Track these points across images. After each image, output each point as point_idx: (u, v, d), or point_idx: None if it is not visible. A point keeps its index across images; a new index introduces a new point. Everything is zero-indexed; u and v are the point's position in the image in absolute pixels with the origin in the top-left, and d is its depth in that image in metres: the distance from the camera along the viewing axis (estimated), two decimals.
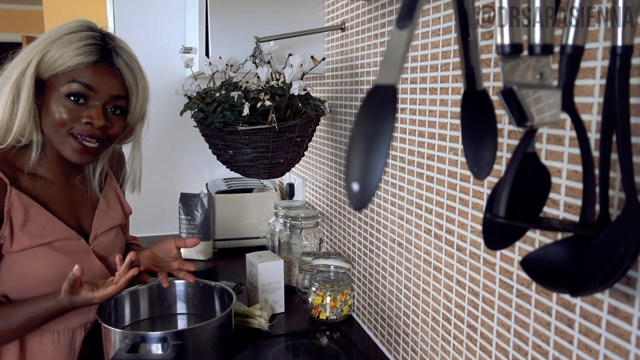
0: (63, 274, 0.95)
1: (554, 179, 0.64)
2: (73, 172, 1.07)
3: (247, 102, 1.21)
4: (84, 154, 0.97)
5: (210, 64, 1.31)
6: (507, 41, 0.45)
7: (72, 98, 0.94)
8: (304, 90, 1.26)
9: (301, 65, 1.26)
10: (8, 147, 0.97)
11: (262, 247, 1.72)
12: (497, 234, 0.55)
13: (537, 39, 0.45)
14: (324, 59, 1.41)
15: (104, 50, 0.97)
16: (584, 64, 0.59)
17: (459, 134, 0.86)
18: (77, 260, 1.00)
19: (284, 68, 1.27)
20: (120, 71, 0.98)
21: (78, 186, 1.08)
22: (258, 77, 1.29)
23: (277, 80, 1.30)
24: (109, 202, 1.15)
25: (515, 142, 0.72)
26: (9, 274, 0.96)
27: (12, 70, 0.96)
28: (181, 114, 1.34)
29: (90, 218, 1.09)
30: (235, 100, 1.22)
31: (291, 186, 1.91)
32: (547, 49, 0.45)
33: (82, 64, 0.94)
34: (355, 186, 0.37)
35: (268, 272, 1.27)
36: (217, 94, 1.25)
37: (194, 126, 1.37)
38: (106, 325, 0.93)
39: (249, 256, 1.32)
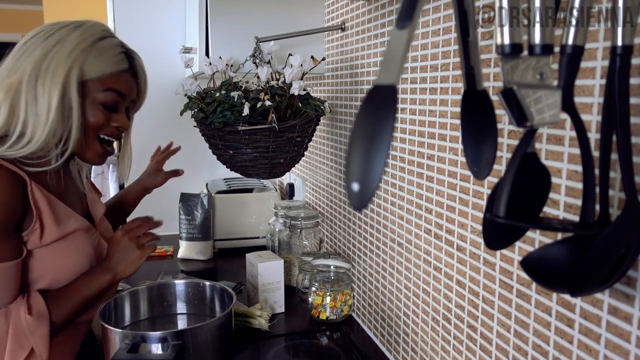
0: (88, 264, 1.00)
1: (554, 179, 0.64)
2: (65, 167, 1.08)
3: (247, 102, 1.21)
4: (103, 157, 1.02)
5: (210, 64, 1.31)
6: (507, 41, 0.45)
7: (107, 106, 0.98)
8: (304, 90, 1.26)
9: (301, 65, 1.26)
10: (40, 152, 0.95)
11: (262, 247, 1.72)
12: (497, 234, 0.55)
13: (537, 39, 0.45)
14: (324, 59, 1.41)
15: (129, 58, 1.01)
16: (584, 64, 0.59)
17: (459, 134, 0.86)
18: (95, 247, 1.04)
19: (284, 68, 1.27)
20: (137, 76, 1.03)
21: (70, 179, 1.09)
22: (258, 77, 1.29)
23: (277, 80, 1.30)
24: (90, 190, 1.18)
25: (515, 142, 0.72)
26: (45, 270, 0.96)
27: (39, 71, 0.92)
28: (181, 114, 1.34)
29: (86, 206, 1.11)
30: (235, 100, 1.22)
31: (291, 186, 1.91)
32: (547, 49, 0.45)
33: (115, 72, 0.97)
34: (355, 186, 0.37)
35: (268, 272, 1.27)
36: (217, 94, 1.25)
37: (194, 126, 1.37)
38: (106, 325, 0.93)
39: (249, 256, 1.32)
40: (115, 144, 1.10)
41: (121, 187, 1.96)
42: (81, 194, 1.11)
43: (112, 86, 0.97)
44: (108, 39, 0.99)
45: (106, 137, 1.01)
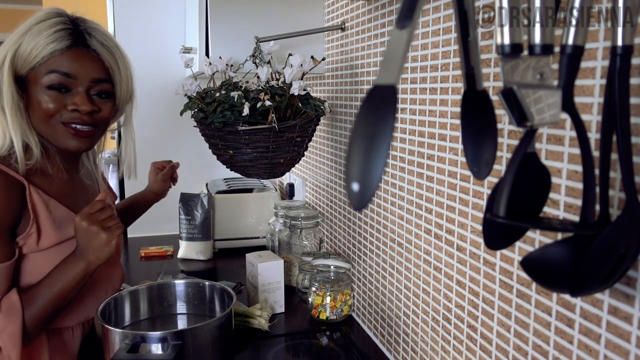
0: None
1: (554, 179, 0.64)
2: (72, 168, 1.07)
3: (247, 102, 1.21)
4: (79, 138, 0.96)
5: (210, 64, 1.31)
6: (507, 41, 0.45)
7: (54, 89, 0.92)
8: (304, 90, 1.26)
9: (301, 65, 1.26)
10: (5, 152, 0.93)
11: (262, 247, 1.72)
12: (497, 234, 0.55)
13: (537, 39, 0.45)
14: (324, 59, 1.41)
15: (76, 33, 0.94)
16: (584, 64, 0.59)
17: (459, 134, 0.86)
18: None
19: (284, 68, 1.27)
20: (96, 52, 0.95)
21: (80, 181, 1.08)
22: (258, 77, 1.29)
23: (277, 80, 1.30)
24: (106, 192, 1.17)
25: (515, 142, 0.72)
26: (36, 275, 0.94)
27: None
28: (181, 114, 1.34)
29: None
30: (235, 100, 1.22)
31: (291, 186, 1.91)
32: (547, 49, 0.45)
33: (56, 52, 0.92)
34: (355, 186, 0.37)
35: (268, 272, 1.27)
36: (217, 94, 1.25)
37: (194, 126, 1.37)
38: (106, 325, 0.93)
39: (249, 256, 1.32)
40: (115, 145, 1.09)
41: (121, 186, 1.96)
42: (94, 197, 1.10)
43: (53, 68, 0.92)
44: (49, 19, 0.93)
45: (67, 122, 0.94)
